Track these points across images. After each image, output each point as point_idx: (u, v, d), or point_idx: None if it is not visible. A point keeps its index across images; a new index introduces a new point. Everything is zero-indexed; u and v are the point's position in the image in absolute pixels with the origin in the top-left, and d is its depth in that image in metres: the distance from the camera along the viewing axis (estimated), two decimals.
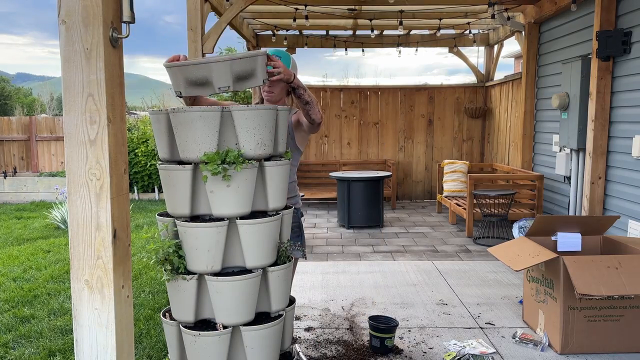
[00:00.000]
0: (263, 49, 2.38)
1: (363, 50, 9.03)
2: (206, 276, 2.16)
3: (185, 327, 2.22)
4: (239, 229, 2.16)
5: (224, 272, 2.20)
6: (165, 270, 2.20)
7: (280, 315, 2.33)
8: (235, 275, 2.16)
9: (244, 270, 2.21)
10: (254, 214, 2.24)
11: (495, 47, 9.02)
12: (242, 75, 2.18)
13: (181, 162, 2.16)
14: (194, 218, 2.22)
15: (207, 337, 2.15)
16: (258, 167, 2.18)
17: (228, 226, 2.15)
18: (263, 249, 2.21)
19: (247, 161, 2.10)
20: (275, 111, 2.21)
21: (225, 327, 2.18)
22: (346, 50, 9.04)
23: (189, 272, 2.19)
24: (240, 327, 2.20)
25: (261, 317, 2.31)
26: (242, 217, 2.17)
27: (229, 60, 2.11)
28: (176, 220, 2.19)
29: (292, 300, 2.52)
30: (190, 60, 2.19)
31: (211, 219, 2.18)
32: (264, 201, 2.25)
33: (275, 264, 2.30)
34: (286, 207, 2.41)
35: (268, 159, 2.23)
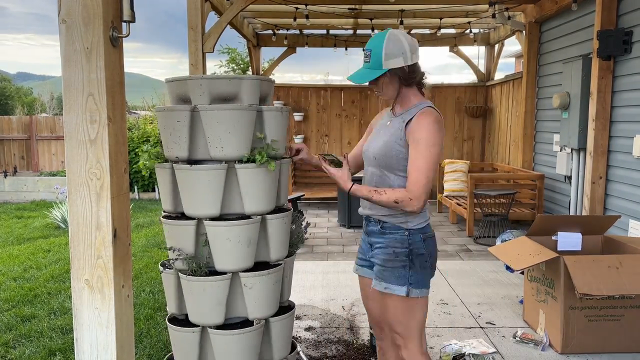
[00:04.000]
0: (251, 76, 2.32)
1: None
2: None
3: (169, 320, 2.27)
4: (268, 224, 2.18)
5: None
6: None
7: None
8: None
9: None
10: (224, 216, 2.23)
11: (496, 46, 9.01)
12: (223, 97, 2.17)
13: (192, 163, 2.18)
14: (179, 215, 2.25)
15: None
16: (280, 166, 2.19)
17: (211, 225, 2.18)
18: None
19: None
20: (251, 112, 2.13)
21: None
22: (346, 49, 9.03)
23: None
24: (209, 329, 2.20)
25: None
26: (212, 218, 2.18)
27: (208, 79, 2.12)
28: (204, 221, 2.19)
29: (291, 306, 2.48)
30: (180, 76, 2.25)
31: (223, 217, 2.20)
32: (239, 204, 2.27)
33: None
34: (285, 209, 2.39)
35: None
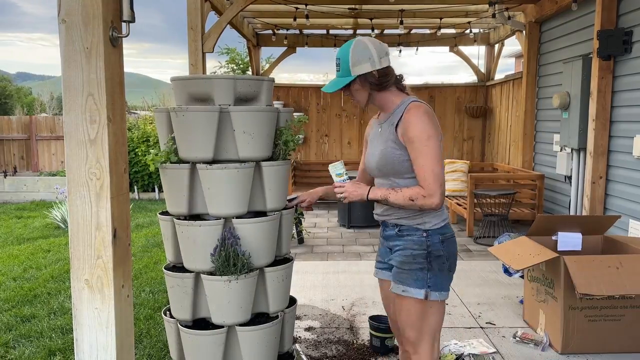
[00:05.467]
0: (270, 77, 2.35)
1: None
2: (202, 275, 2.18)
3: (183, 325, 2.24)
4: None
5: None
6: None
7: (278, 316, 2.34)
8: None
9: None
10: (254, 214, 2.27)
11: (496, 46, 9.01)
12: (244, 97, 2.21)
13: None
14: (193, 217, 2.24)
15: (203, 336, 2.16)
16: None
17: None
18: (265, 246, 2.23)
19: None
20: (276, 113, 2.22)
21: (220, 327, 2.19)
22: None
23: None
24: (236, 327, 2.20)
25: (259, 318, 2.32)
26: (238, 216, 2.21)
27: (232, 79, 2.15)
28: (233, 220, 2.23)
29: (292, 301, 2.51)
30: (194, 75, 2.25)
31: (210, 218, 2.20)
32: (262, 201, 2.28)
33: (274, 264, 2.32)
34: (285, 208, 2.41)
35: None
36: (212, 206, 2.13)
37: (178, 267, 2.29)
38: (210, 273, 2.15)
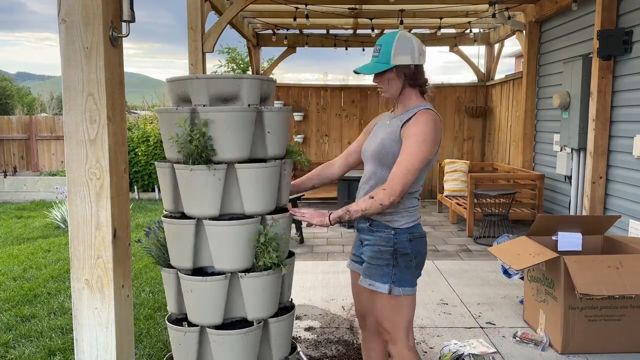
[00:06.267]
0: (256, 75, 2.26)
1: (364, 49, 9.02)
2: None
3: (171, 321, 2.25)
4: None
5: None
6: None
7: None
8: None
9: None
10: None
11: (496, 46, 9.01)
12: (223, 97, 2.15)
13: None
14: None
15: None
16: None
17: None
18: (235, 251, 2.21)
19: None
20: (251, 112, 2.12)
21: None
22: (347, 49, 9.03)
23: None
24: (207, 329, 2.19)
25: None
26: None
27: (205, 79, 2.09)
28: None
29: (290, 307, 2.47)
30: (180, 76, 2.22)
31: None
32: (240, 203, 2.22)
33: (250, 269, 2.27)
34: (281, 210, 2.34)
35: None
36: (187, 206, 2.14)
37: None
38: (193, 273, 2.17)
